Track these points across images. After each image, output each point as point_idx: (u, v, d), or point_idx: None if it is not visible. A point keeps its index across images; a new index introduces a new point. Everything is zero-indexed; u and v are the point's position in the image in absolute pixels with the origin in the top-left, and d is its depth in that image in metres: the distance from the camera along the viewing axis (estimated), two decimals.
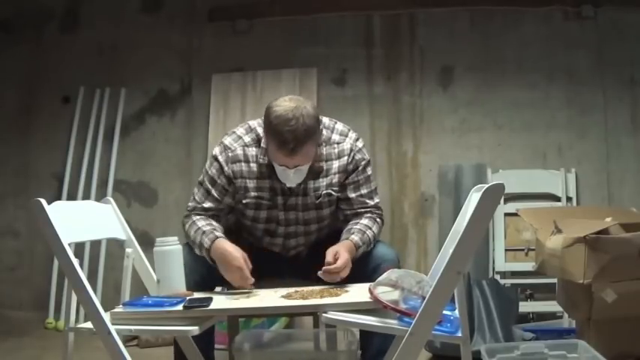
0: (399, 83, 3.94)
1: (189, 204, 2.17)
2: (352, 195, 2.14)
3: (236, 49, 4.02)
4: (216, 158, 2.12)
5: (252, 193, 2.11)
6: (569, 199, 3.64)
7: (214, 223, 2.10)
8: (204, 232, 2.04)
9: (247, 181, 2.11)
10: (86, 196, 3.93)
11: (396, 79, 3.94)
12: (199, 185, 2.16)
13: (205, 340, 2.03)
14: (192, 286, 1.94)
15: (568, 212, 3.21)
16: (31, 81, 4.17)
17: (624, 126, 3.75)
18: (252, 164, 2.10)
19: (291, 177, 2.03)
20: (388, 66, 3.95)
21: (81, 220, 1.93)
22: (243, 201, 2.12)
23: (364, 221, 2.11)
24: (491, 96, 3.86)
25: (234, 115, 3.88)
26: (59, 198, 3.87)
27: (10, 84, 4.18)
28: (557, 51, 3.80)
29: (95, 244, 3.83)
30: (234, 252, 1.97)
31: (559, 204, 3.61)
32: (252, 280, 1.95)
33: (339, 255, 1.94)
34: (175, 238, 1.93)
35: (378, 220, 2.14)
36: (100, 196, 3.55)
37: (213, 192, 2.12)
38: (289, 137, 1.91)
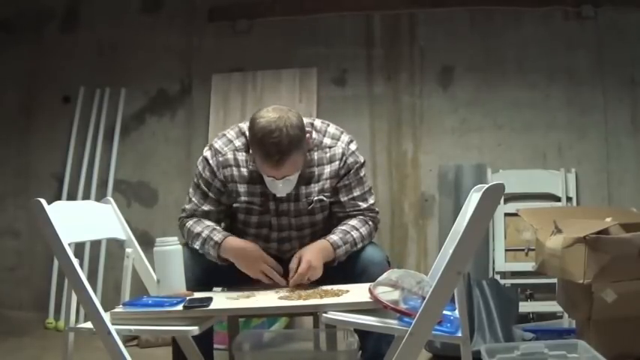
0: (399, 83, 3.94)
1: (187, 206, 2.15)
2: (344, 198, 2.12)
3: (236, 49, 4.03)
4: (207, 162, 2.10)
5: (243, 198, 2.09)
6: (569, 199, 3.65)
7: (219, 227, 2.10)
8: (214, 228, 2.05)
9: (238, 185, 2.09)
10: (86, 196, 3.93)
11: (396, 79, 3.94)
12: (195, 187, 2.13)
13: (205, 341, 2.03)
14: (192, 284, 1.93)
15: (568, 212, 3.21)
16: (31, 81, 4.17)
17: (624, 126, 3.74)
18: (242, 169, 2.09)
19: (279, 187, 2.00)
20: (388, 66, 3.95)
21: (81, 220, 1.93)
22: (235, 205, 2.11)
23: (352, 222, 2.09)
24: (491, 96, 3.86)
25: (234, 115, 3.88)
26: (59, 198, 3.87)
27: (10, 84, 4.18)
28: (557, 51, 3.80)
29: (95, 244, 3.83)
30: (251, 244, 2.00)
31: (559, 204, 3.61)
32: (280, 268, 1.96)
33: (301, 260, 1.95)
34: (175, 238, 1.93)
35: (369, 222, 2.11)
36: (100, 196, 3.55)
37: (211, 194, 2.11)
38: (273, 150, 1.88)
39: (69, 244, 1.70)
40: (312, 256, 1.96)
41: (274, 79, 3.91)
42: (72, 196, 3.93)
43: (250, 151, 2.05)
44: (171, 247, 1.91)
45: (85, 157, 4.02)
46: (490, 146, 3.85)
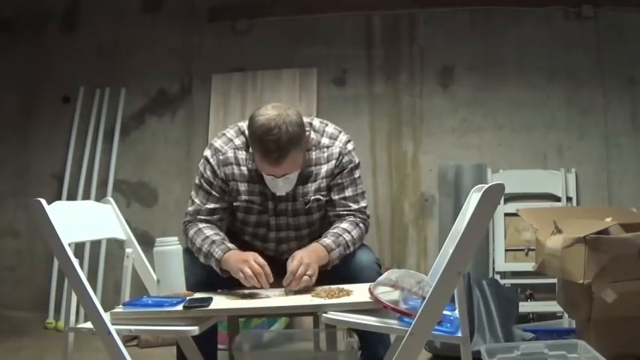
0: (399, 83, 3.94)
1: (190, 208, 2.12)
2: (335, 197, 2.11)
3: (236, 49, 4.03)
4: (208, 161, 2.10)
5: (243, 197, 2.09)
6: (569, 199, 3.65)
7: (221, 233, 2.07)
8: (213, 241, 2.01)
9: (239, 184, 2.09)
10: (86, 196, 3.93)
11: (396, 79, 3.94)
12: (197, 188, 2.12)
13: (208, 341, 2.02)
14: (192, 287, 1.93)
15: (568, 212, 3.21)
16: (31, 81, 4.17)
17: (624, 126, 3.74)
18: (242, 167, 2.08)
19: (280, 185, 2.00)
20: (388, 66, 3.95)
21: (81, 220, 1.93)
22: (235, 204, 2.10)
23: (343, 225, 2.07)
24: (491, 96, 3.86)
25: (234, 115, 3.87)
26: (59, 198, 3.87)
27: (10, 84, 4.18)
28: (557, 51, 3.80)
29: (95, 244, 3.83)
30: (248, 254, 1.95)
31: (559, 204, 3.61)
32: (267, 270, 1.90)
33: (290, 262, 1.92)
34: (175, 238, 1.93)
35: (360, 224, 2.10)
36: (100, 196, 3.55)
37: (214, 192, 2.10)
38: (272, 147, 1.88)
39: (69, 244, 1.70)
40: (304, 253, 1.94)
41: (274, 79, 3.91)
42: (72, 196, 3.93)
43: (250, 150, 2.05)
44: (171, 247, 1.91)
45: (85, 157, 4.02)
46: (490, 146, 3.85)
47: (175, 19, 4.11)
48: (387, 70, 3.95)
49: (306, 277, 1.86)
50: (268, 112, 1.92)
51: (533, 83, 3.82)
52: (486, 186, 1.56)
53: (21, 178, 4.14)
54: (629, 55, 3.73)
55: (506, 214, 3.64)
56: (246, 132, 2.03)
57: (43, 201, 1.70)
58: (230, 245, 2.00)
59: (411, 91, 3.93)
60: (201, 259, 2.03)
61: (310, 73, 3.91)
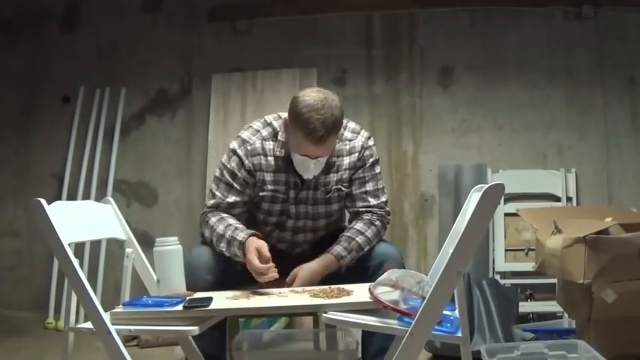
0: (399, 83, 3.94)
1: (211, 201, 2.13)
2: (356, 191, 2.15)
3: (236, 49, 4.03)
4: (235, 152, 2.12)
5: (270, 187, 2.12)
6: (569, 199, 3.65)
7: (242, 224, 2.08)
8: (237, 227, 2.03)
9: (265, 174, 2.12)
10: (86, 196, 3.92)
11: (396, 79, 3.94)
12: (218, 181, 2.13)
13: (217, 341, 2.02)
14: (209, 285, 1.94)
15: (568, 212, 3.21)
16: (31, 81, 4.17)
17: (624, 126, 3.75)
18: (269, 157, 2.11)
19: (311, 168, 2.04)
20: (388, 66, 3.95)
21: (81, 220, 1.92)
22: (260, 194, 2.13)
23: (358, 225, 2.10)
24: (492, 96, 3.86)
25: (234, 115, 3.88)
26: (59, 198, 3.87)
27: (10, 84, 4.18)
28: (557, 51, 3.80)
29: (95, 244, 3.83)
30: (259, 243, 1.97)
31: (559, 204, 3.62)
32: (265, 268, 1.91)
33: (294, 278, 1.98)
34: (175, 238, 1.93)
35: (376, 222, 2.12)
36: (100, 196, 3.55)
37: (236, 185, 2.11)
38: (319, 125, 1.93)
39: (69, 244, 1.70)
40: (307, 273, 1.99)
41: (274, 79, 3.91)
42: (72, 196, 3.93)
43: (280, 136, 2.10)
44: (171, 247, 1.91)
45: (85, 157, 4.02)
46: (490, 146, 3.85)
47: (175, 19, 4.11)
48: (387, 70, 3.95)
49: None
50: (315, 94, 1.99)
51: (533, 83, 3.82)
52: (486, 186, 1.56)
53: (21, 178, 4.14)
54: (629, 55, 3.74)
55: (506, 214, 3.64)
56: (273, 123, 2.12)
57: (43, 201, 1.69)
58: (252, 231, 2.02)
59: (411, 91, 3.93)
60: (222, 246, 2.02)
61: (310, 73, 3.91)
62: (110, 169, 4.02)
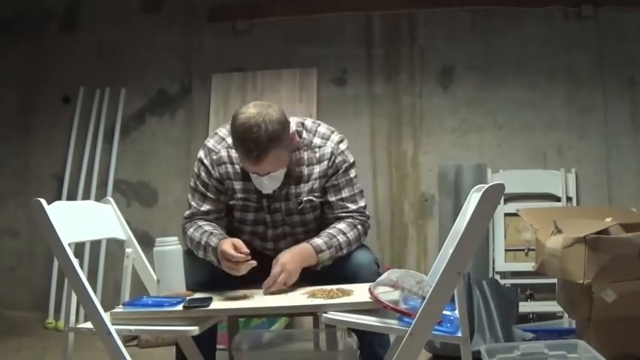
0: (399, 83, 3.94)
1: (187, 212, 2.12)
2: (332, 199, 2.08)
3: (236, 49, 4.03)
4: (202, 162, 2.09)
5: (239, 195, 2.08)
6: (569, 199, 3.65)
7: (219, 229, 2.06)
8: (211, 233, 2.00)
9: (234, 182, 2.08)
10: (86, 196, 3.93)
11: (396, 79, 3.94)
12: (193, 190, 2.11)
13: (207, 342, 2.02)
14: (194, 287, 1.92)
15: (568, 212, 3.21)
16: (31, 81, 4.17)
17: (624, 126, 3.74)
18: (236, 165, 2.07)
19: (265, 184, 1.99)
20: (388, 66, 3.95)
21: (81, 220, 1.93)
22: (231, 202, 2.09)
23: (340, 225, 2.05)
24: (492, 96, 3.86)
25: None
26: (59, 198, 3.87)
27: (10, 84, 4.18)
28: (557, 51, 3.80)
29: (95, 244, 3.84)
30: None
31: (559, 204, 3.61)
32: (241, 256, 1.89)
33: (275, 265, 1.92)
34: (175, 238, 1.93)
35: (358, 226, 2.07)
36: (100, 196, 3.55)
37: (209, 194, 2.09)
38: (252, 145, 1.86)
39: (69, 244, 1.70)
40: (287, 259, 1.93)
41: (274, 79, 3.91)
42: (72, 196, 3.93)
43: None
44: (171, 247, 1.91)
45: (85, 157, 4.02)
46: (490, 146, 3.85)
47: (175, 19, 4.12)
48: (387, 70, 3.95)
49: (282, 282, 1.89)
50: (249, 111, 1.93)
51: (533, 83, 3.82)
52: (486, 186, 1.56)
53: (21, 178, 4.14)
54: (629, 55, 3.73)
55: (506, 214, 3.64)
56: None
57: (43, 201, 1.70)
58: (225, 235, 1.99)
59: (411, 91, 3.93)
60: (200, 254, 2.01)
61: (310, 73, 3.91)
62: (110, 169, 4.02)
